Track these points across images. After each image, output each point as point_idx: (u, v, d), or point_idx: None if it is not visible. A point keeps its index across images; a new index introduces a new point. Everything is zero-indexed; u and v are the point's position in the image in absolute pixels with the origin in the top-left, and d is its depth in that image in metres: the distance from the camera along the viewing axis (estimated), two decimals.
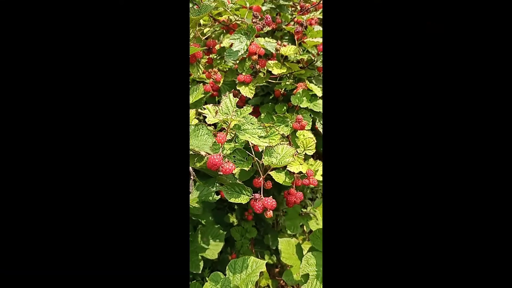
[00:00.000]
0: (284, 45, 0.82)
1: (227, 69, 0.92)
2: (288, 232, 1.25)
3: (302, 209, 1.32)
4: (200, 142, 0.43)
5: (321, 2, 1.22)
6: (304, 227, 1.25)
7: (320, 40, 0.84)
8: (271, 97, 1.21)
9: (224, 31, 0.92)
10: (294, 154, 0.66)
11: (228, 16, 0.85)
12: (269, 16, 0.78)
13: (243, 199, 0.62)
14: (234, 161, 0.61)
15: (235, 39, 0.71)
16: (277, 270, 1.57)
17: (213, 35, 0.92)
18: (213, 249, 1.10)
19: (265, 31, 0.79)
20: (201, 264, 1.05)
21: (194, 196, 0.87)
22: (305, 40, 0.88)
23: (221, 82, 0.84)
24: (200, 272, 1.06)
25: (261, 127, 0.60)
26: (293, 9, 1.15)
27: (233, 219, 1.39)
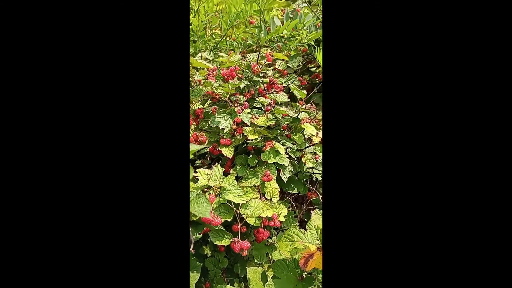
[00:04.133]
0: (257, 118, 1.06)
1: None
2: (255, 261, 1.43)
3: (268, 239, 1.52)
4: (202, 209, 0.63)
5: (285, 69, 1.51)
6: (270, 255, 1.43)
7: (285, 112, 1.10)
8: (243, 146, 1.45)
9: (209, 99, 1.15)
10: (263, 206, 0.89)
11: (213, 90, 1.09)
12: (247, 104, 1.02)
13: (225, 242, 0.82)
14: (219, 213, 0.81)
15: (220, 117, 0.94)
16: None
17: (199, 103, 1.14)
18: (192, 280, 1.25)
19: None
20: None
21: None
22: (272, 109, 1.14)
23: (206, 142, 1.06)
24: None
25: (239, 188, 0.82)
26: (261, 75, 1.42)
27: (207, 250, 1.55)
